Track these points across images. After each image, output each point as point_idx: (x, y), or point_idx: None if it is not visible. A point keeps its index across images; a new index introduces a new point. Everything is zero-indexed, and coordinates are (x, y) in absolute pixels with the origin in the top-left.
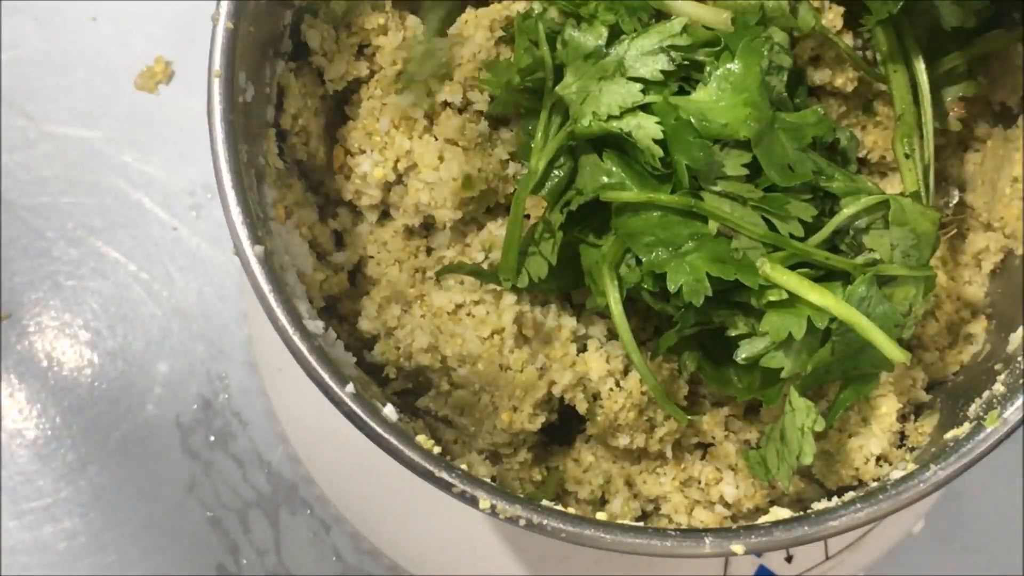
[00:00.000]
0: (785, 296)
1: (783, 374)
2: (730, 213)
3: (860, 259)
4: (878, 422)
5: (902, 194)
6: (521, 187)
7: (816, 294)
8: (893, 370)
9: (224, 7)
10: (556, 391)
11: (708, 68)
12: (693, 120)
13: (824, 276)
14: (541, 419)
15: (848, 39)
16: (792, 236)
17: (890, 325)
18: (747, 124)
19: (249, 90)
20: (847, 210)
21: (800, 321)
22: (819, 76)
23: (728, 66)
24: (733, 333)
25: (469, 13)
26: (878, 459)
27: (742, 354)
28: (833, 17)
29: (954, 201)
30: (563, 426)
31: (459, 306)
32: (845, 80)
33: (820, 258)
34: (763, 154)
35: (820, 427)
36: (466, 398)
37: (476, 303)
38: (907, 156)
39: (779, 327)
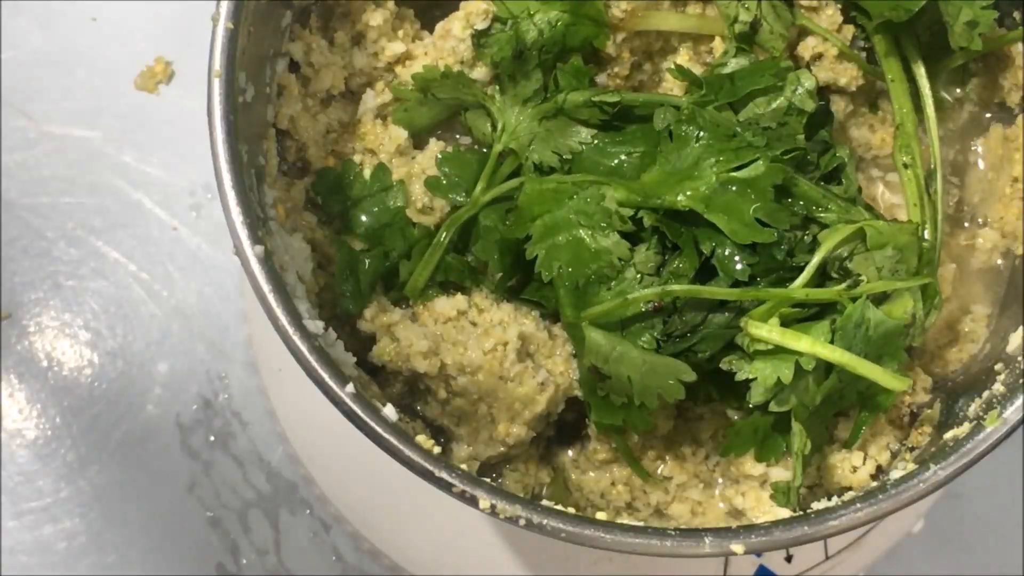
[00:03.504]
0: (771, 345)
1: (794, 416)
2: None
3: (842, 286)
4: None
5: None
6: (453, 219)
7: (803, 342)
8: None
9: (224, 7)
10: (556, 408)
11: (658, 150)
12: (642, 199)
13: (817, 311)
14: (538, 430)
15: (848, 34)
16: (777, 273)
17: (894, 343)
18: (688, 196)
19: (249, 90)
20: (825, 245)
21: (788, 366)
22: (823, 75)
23: (665, 148)
24: (741, 378)
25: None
26: (864, 462)
27: (753, 398)
28: (832, 14)
29: (954, 200)
30: (563, 426)
31: (461, 312)
32: (849, 79)
33: (801, 296)
34: (720, 218)
35: (807, 450)
36: (464, 407)
37: (480, 311)
38: (906, 166)
39: (767, 375)
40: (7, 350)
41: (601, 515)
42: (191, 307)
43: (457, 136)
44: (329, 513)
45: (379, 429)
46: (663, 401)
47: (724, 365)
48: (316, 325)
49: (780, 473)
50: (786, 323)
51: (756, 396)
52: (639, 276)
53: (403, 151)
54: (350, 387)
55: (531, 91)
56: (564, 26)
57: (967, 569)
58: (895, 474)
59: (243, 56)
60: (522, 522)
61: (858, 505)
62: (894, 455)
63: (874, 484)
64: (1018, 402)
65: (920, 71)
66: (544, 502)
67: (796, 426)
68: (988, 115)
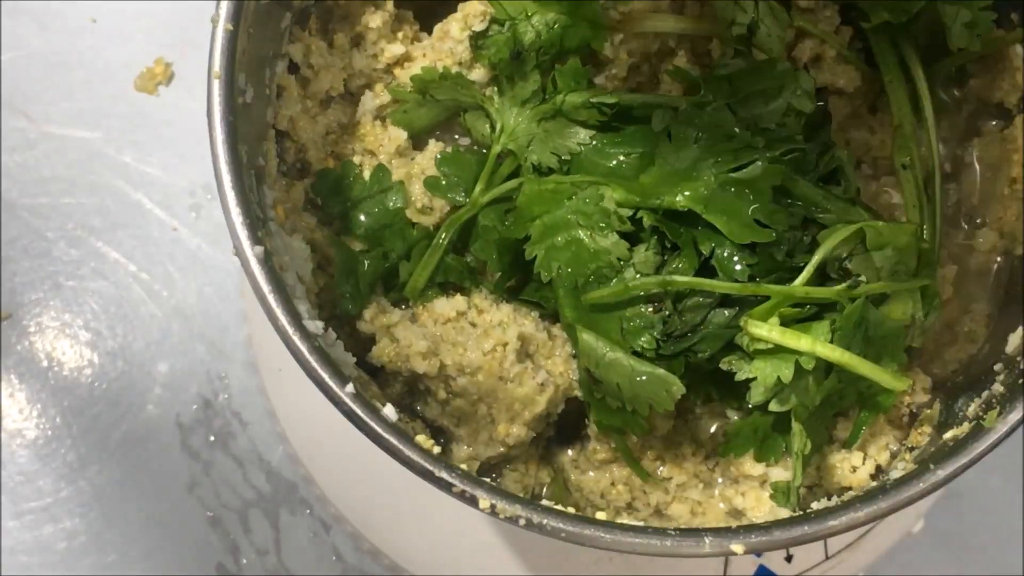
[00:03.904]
0: (771, 344)
1: (794, 416)
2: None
3: (842, 286)
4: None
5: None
6: (452, 220)
7: (803, 342)
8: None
9: (224, 8)
10: (556, 408)
11: (657, 151)
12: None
13: (816, 312)
14: (538, 430)
15: (847, 35)
16: (777, 274)
17: (894, 343)
18: (686, 197)
19: (249, 91)
20: (824, 246)
21: (788, 365)
22: (821, 77)
23: (664, 148)
24: (741, 378)
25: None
26: (864, 462)
27: (753, 398)
28: (830, 15)
29: (952, 201)
30: (563, 426)
31: (460, 313)
32: (848, 80)
33: (801, 294)
34: (719, 219)
35: (807, 450)
36: (464, 408)
37: (480, 312)
38: (905, 167)
39: (767, 374)
40: (7, 350)
41: (601, 515)
42: (191, 307)
43: (456, 137)
44: (329, 513)
45: (379, 429)
46: (654, 409)
47: (724, 365)
48: (316, 325)
49: (780, 473)
50: (786, 323)
51: (756, 396)
52: (638, 276)
53: (402, 152)
54: (350, 387)
55: (529, 92)
56: (562, 28)
57: (967, 569)
58: (895, 474)
59: (243, 57)
60: (522, 522)
61: (858, 505)
62: (894, 455)
63: (874, 484)
64: (1018, 402)
65: (918, 72)
66: (544, 502)
67: (796, 426)
68: (986, 116)
